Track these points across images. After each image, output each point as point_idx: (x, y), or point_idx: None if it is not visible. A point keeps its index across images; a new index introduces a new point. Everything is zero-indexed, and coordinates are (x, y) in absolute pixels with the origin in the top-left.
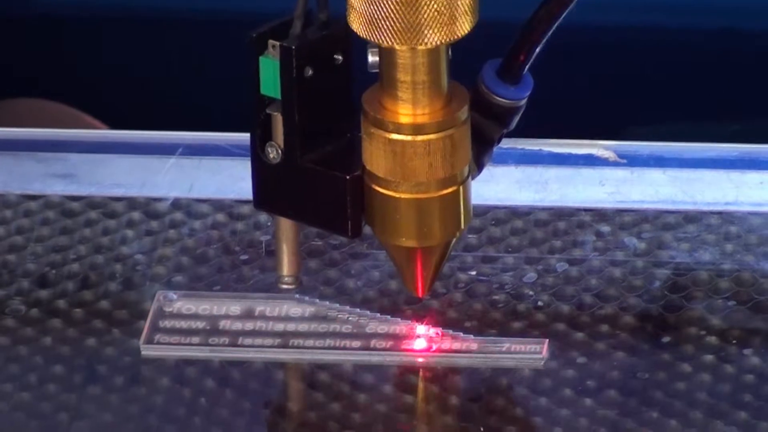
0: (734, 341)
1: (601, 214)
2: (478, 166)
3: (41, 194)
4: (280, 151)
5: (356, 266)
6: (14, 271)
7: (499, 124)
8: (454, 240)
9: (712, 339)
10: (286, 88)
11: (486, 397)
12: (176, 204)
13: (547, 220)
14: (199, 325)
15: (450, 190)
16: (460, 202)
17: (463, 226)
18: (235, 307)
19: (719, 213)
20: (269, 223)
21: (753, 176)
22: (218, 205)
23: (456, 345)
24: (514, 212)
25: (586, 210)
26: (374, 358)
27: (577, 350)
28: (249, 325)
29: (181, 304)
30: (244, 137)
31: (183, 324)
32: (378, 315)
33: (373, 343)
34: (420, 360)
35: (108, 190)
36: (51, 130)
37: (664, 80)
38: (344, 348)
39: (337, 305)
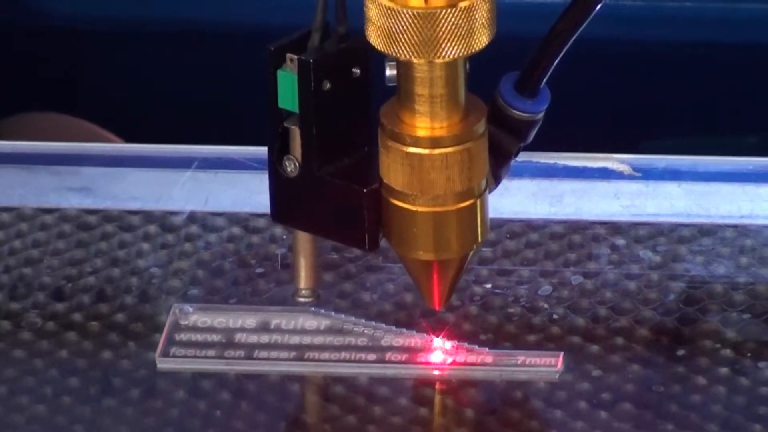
0: (749, 354)
1: (615, 228)
2: (496, 179)
3: (57, 207)
4: (297, 165)
5: (371, 279)
6: (30, 284)
7: (516, 137)
8: (472, 253)
9: (727, 352)
10: (304, 102)
11: (501, 410)
12: (192, 217)
13: (562, 233)
14: (215, 338)
15: (467, 203)
16: (478, 216)
17: (480, 239)
18: (251, 320)
19: (734, 226)
20: (285, 237)
21: None
22: (234, 218)
23: (471, 358)
24: (529, 225)
25: (600, 223)
26: (389, 371)
27: (592, 363)
28: (264, 338)
29: (197, 317)
30: (260, 150)
31: (199, 337)
32: (393, 328)
33: (388, 356)
34: (435, 373)
35: (124, 204)
36: (67, 143)
37: (680, 93)
38: (359, 361)
39: (353, 318)
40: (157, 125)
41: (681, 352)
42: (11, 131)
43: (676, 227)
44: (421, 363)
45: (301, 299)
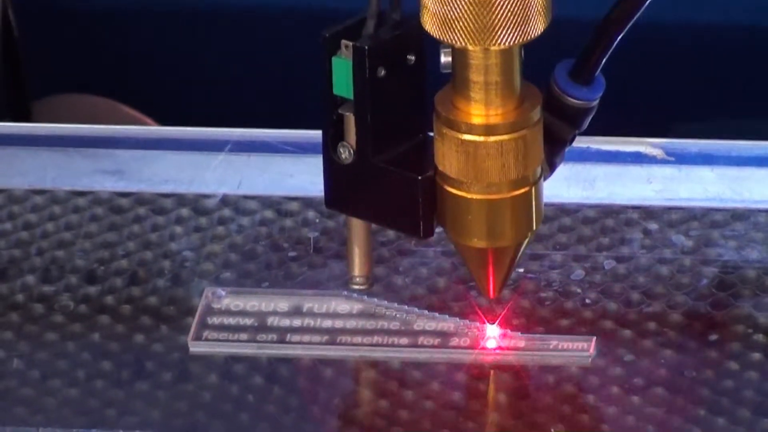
0: None
1: (648, 212)
2: (551, 166)
3: (90, 190)
4: (352, 151)
5: (404, 263)
6: (63, 267)
7: (571, 124)
8: (526, 241)
9: (760, 337)
10: (358, 89)
11: (533, 395)
12: (225, 200)
13: (595, 218)
14: (247, 321)
15: (522, 190)
16: (532, 203)
17: (535, 227)
18: (283, 304)
19: (767, 211)
20: (317, 220)
21: None
22: (267, 201)
23: (504, 342)
24: (562, 209)
25: (633, 207)
26: (422, 355)
27: (624, 348)
28: (297, 322)
29: (230, 300)
30: (294, 133)
31: (231, 321)
32: (426, 312)
33: (420, 340)
34: (467, 357)
35: (157, 187)
36: (100, 126)
37: (713, 77)
38: (392, 345)
39: (385, 302)
40: (191, 108)
41: (713, 337)
42: (45, 113)
43: (708, 212)
44: (453, 347)
45: (356, 286)
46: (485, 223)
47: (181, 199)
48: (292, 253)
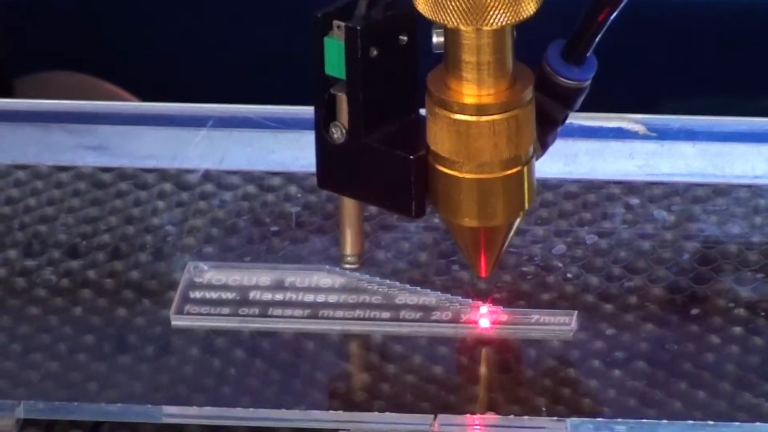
0: (763, 313)
1: (630, 187)
2: (542, 146)
3: (72, 165)
4: (344, 131)
5: (386, 238)
6: (45, 241)
7: (563, 105)
8: (518, 220)
9: (741, 311)
10: (351, 69)
11: (515, 369)
12: (207, 176)
13: (577, 193)
14: (229, 295)
15: (514, 170)
16: (524, 183)
17: (526, 206)
18: (265, 278)
19: (749, 186)
20: (299, 195)
21: None
22: (249, 176)
23: (485, 316)
24: (544, 184)
25: (615, 182)
26: (404, 329)
27: (606, 322)
28: (279, 296)
29: (212, 274)
30: (275, 109)
31: (213, 294)
32: (408, 286)
33: (402, 314)
34: (449, 331)
35: (139, 162)
36: (82, 102)
37: (696, 54)
38: (374, 319)
39: (367, 276)
40: (172, 83)
41: (695, 312)
42: (28, 90)
43: (690, 187)
44: (435, 321)
45: (347, 265)
46: (477, 202)
47: (163, 174)
48: (274, 228)
